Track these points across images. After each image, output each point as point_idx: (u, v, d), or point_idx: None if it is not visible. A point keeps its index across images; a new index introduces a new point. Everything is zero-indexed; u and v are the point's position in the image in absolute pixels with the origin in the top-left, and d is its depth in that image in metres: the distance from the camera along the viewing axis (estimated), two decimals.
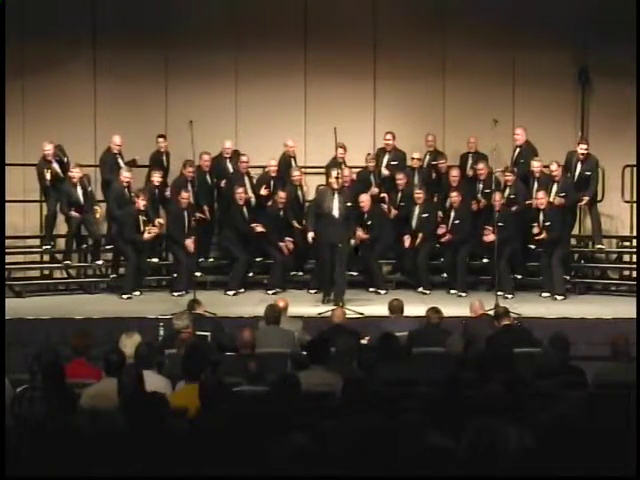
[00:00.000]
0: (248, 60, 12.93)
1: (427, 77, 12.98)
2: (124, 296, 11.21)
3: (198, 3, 12.92)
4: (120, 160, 12.03)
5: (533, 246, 11.54)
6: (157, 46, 12.86)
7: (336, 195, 10.47)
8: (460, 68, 12.82)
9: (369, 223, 11.51)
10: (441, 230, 11.50)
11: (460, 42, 12.80)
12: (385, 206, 11.94)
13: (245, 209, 11.71)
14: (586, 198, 11.49)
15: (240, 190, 11.59)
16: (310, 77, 13.13)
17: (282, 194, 11.68)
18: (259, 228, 11.57)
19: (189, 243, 11.25)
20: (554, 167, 11.34)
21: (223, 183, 12.11)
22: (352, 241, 10.87)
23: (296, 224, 11.75)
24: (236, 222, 11.60)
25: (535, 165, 11.55)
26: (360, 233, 11.34)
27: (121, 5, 12.81)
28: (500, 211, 11.10)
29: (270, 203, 11.90)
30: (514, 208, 11.36)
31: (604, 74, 12.61)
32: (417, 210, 11.62)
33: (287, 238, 11.65)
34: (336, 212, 10.41)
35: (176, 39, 12.79)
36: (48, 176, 11.50)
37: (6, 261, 11.13)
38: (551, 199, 11.19)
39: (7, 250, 11.39)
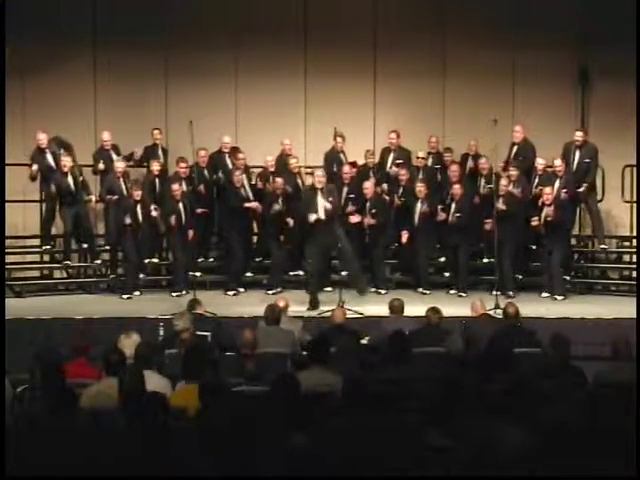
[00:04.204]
0: (248, 60, 12.94)
1: (427, 77, 12.99)
2: (124, 296, 11.22)
3: (198, 3, 12.92)
4: (114, 155, 12.04)
5: (534, 246, 11.57)
6: (157, 46, 12.86)
7: (319, 194, 10.40)
8: (460, 68, 12.83)
9: (373, 211, 11.50)
10: (441, 216, 11.49)
11: (460, 42, 12.80)
12: (387, 197, 11.96)
13: (243, 191, 11.67)
14: (584, 185, 11.49)
15: (238, 173, 11.59)
16: (310, 77, 13.13)
17: (279, 179, 11.59)
18: (252, 204, 11.54)
19: (172, 220, 11.23)
20: (558, 162, 11.39)
21: (220, 173, 12.12)
22: (354, 219, 10.81)
23: (289, 189, 11.68)
24: (232, 201, 11.55)
25: (539, 162, 11.59)
26: (368, 218, 11.35)
27: (121, 5, 12.80)
28: (505, 196, 11.14)
29: (270, 190, 11.88)
30: (518, 190, 11.39)
31: (604, 74, 12.62)
32: (419, 205, 11.62)
33: (288, 219, 11.60)
34: (322, 213, 10.36)
35: (176, 39, 12.80)
36: (34, 167, 11.53)
37: (6, 261, 11.13)
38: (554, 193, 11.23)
39: (7, 250, 11.40)
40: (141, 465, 4.21)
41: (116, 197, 11.56)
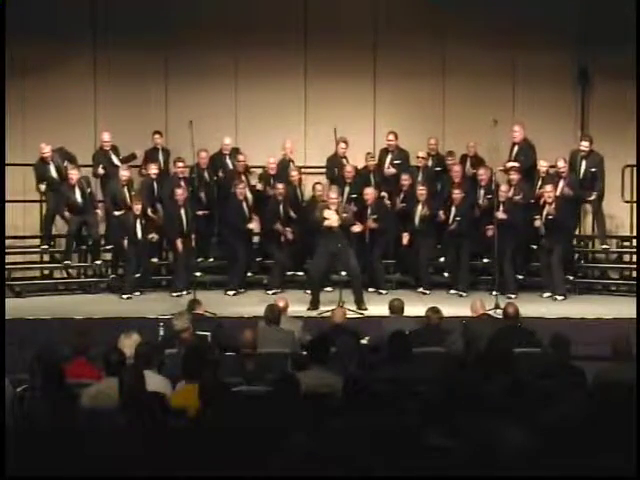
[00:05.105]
0: (248, 60, 12.94)
1: (427, 77, 12.98)
2: (124, 296, 11.22)
3: (198, 3, 12.91)
4: (113, 157, 12.04)
5: (535, 246, 11.57)
6: (157, 46, 12.85)
7: (333, 210, 10.40)
8: (460, 68, 12.82)
9: (375, 217, 11.51)
10: (441, 217, 11.47)
11: (460, 42, 12.79)
12: (388, 202, 11.95)
13: (245, 205, 11.69)
14: (595, 194, 11.53)
15: (241, 186, 11.59)
16: (310, 77, 13.13)
17: (280, 185, 11.66)
18: (253, 225, 11.53)
19: (178, 243, 11.29)
20: (561, 164, 11.42)
21: (220, 173, 12.13)
22: (356, 228, 10.78)
23: (293, 214, 11.75)
24: (235, 219, 11.57)
25: (542, 164, 11.61)
26: (369, 222, 11.37)
27: (121, 5, 12.80)
28: (505, 203, 11.14)
29: (270, 196, 11.85)
30: (519, 197, 11.37)
31: (604, 74, 12.62)
32: (420, 208, 11.62)
33: (287, 228, 11.64)
34: (335, 222, 10.33)
35: (176, 39, 12.79)
36: (43, 187, 11.57)
37: (6, 261, 11.13)
38: (557, 193, 11.23)
39: (7, 250, 11.40)
40: (141, 465, 4.21)
41: (123, 212, 11.56)
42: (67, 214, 11.58)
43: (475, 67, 12.76)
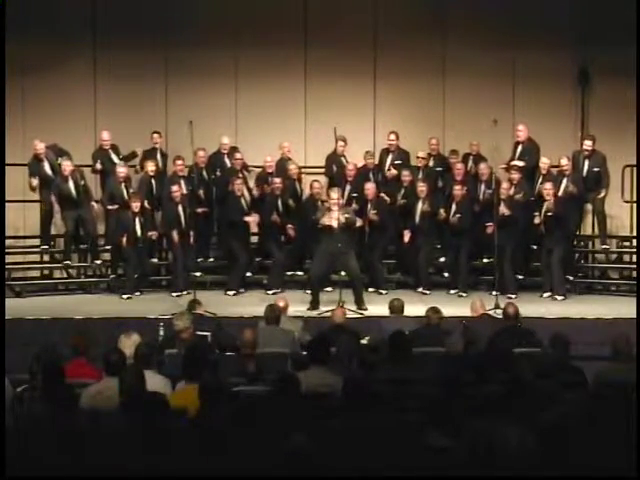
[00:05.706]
0: (248, 60, 12.94)
1: (427, 77, 12.98)
2: (124, 296, 11.21)
3: (198, 3, 12.91)
4: (113, 155, 12.02)
5: (535, 246, 11.56)
6: (157, 46, 12.87)
7: (335, 210, 10.40)
8: (460, 68, 12.81)
9: (374, 212, 11.51)
10: (441, 215, 11.46)
11: (460, 42, 12.79)
12: (388, 199, 11.95)
13: (243, 201, 11.67)
14: (603, 190, 11.52)
15: (239, 182, 11.58)
16: (310, 77, 13.13)
17: (277, 180, 11.65)
18: (251, 218, 11.51)
19: (175, 235, 11.26)
20: (564, 162, 11.41)
21: (218, 172, 12.13)
22: (358, 222, 10.75)
23: (291, 203, 11.72)
24: (233, 214, 11.57)
25: (544, 161, 11.60)
26: (371, 215, 11.37)
27: (121, 5, 12.81)
28: (506, 200, 11.13)
29: (268, 191, 11.85)
30: (519, 196, 11.37)
31: (604, 74, 12.62)
32: (420, 205, 11.62)
33: (288, 225, 11.64)
34: (335, 223, 10.36)
35: (176, 39, 12.79)
36: (35, 182, 11.51)
37: (6, 261, 11.13)
38: (560, 193, 11.21)
39: (7, 250, 11.40)
40: (141, 465, 4.21)
41: (116, 207, 11.55)
42: (56, 205, 11.52)
43: (475, 67, 12.75)
